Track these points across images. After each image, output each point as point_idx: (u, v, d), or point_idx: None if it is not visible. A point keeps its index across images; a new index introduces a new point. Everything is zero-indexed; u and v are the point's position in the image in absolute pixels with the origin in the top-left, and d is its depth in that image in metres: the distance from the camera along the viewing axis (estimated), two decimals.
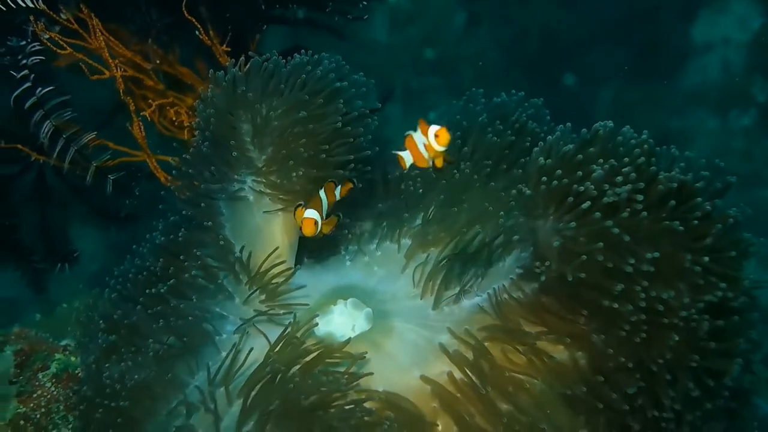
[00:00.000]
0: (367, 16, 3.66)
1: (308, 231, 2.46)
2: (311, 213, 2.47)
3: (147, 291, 2.78)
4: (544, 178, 2.21)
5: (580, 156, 2.21)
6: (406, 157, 2.36)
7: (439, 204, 2.91)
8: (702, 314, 2.08)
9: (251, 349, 2.50)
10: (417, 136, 2.31)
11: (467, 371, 2.37)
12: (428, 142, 2.29)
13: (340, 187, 2.60)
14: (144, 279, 2.86)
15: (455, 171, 2.93)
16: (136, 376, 2.56)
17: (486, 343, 2.39)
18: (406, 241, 2.91)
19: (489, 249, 2.66)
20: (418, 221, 2.93)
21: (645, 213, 2.10)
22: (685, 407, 2.14)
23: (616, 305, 2.11)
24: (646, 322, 2.10)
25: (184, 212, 2.92)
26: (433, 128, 2.28)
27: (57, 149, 3.22)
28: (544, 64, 7.74)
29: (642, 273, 2.07)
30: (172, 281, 2.75)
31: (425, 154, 2.32)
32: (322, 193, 2.53)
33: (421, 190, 2.96)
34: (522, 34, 8.12)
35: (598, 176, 2.14)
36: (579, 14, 7.84)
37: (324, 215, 2.50)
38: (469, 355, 2.39)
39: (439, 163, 2.36)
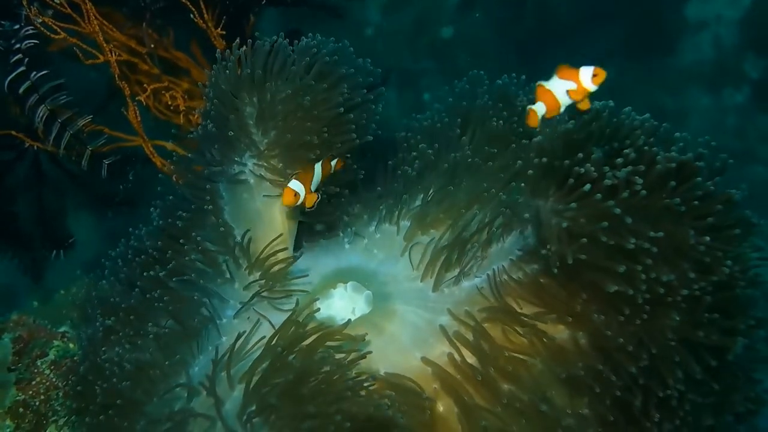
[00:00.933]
0: None
1: (287, 200, 2.53)
2: (294, 184, 2.53)
3: (145, 274, 2.77)
4: (544, 159, 2.21)
5: (580, 136, 2.21)
6: (540, 110, 2.35)
7: (439, 185, 2.90)
8: (705, 292, 2.09)
9: (252, 333, 2.51)
10: (553, 84, 2.32)
11: (468, 352, 2.39)
12: (576, 85, 2.29)
13: (335, 161, 2.65)
14: (141, 262, 2.85)
15: (454, 153, 2.94)
16: (135, 358, 2.57)
17: (485, 324, 2.41)
18: (405, 223, 2.90)
19: (489, 230, 2.65)
20: (417, 203, 2.93)
21: (645, 193, 2.10)
22: (688, 387, 2.16)
23: (617, 287, 2.12)
24: (648, 302, 2.11)
25: (182, 195, 2.91)
26: (588, 69, 2.29)
27: (53, 134, 3.21)
28: (538, 45, 7.73)
29: (644, 252, 2.08)
30: (170, 264, 2.75)
31: (566, 101, 2.32)
32: (318, 166, 2.58)
33: (419, 173, 2.96)
34: (516, 15, 8.12)
35: (598, 157, 2.15)
36: None
37: (312, 189, 2.56)
38: (469, 336, 2.40)
39: (586, 104, 2.34)
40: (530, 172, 2.26)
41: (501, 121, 2.93)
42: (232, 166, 2.78)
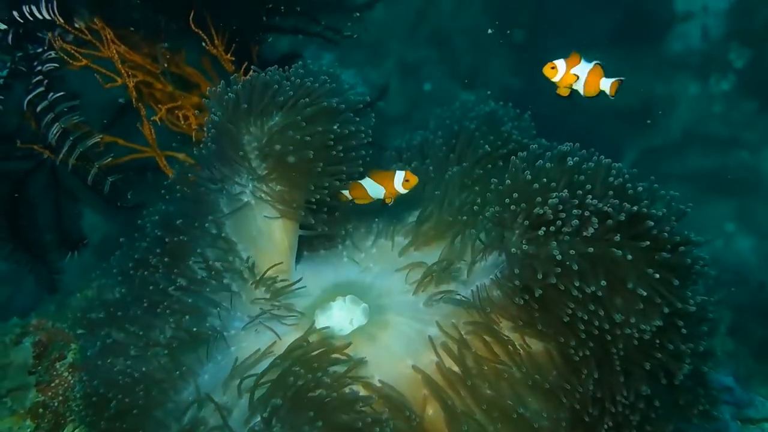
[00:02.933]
0: (357, 36, 3.87)
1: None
2: (366, 182, 2.87)
3: (150, 286, 2.93)
4: (507, 200, 2.48)
5: (536, 185, 2.47)
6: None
7: (431, 203, 3.12)
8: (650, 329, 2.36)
9: (259, 344, 2.73)
10: (580, 68, 2.68)
11: (453, 361, 2.60)
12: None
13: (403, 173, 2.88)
14: (146, 273, 3.00)
15: (445, 173, 3.17)
16: (143, 368, 2.73)
17: (469, 337, 2.62)
18: (400, 239, 3.13)
19: (473, 249, 2.91)
20: (411, 219, 3.15)
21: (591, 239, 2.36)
22: (637, 400, 2.43)
23: (567, 320, 2.39)
24: (595, 336, 2.38)
25: (184, 208, 3.08)
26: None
27: (64, 150, 3.45)
28: (533, 33, 8.02)
29: (589, 296, 2.34)
30: (175, 275, 2.92)
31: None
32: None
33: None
34: (513, 5, 8.25)
35: (553, 204, 2.40)
36: None
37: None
38: (454, 346, 2.61)
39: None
40: (496, 208, 2.52)
41: (487, 145, 3.17)
42: (233, 186, 2.96)
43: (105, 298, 3.02)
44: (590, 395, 2.45)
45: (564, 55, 2.71)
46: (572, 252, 2.34)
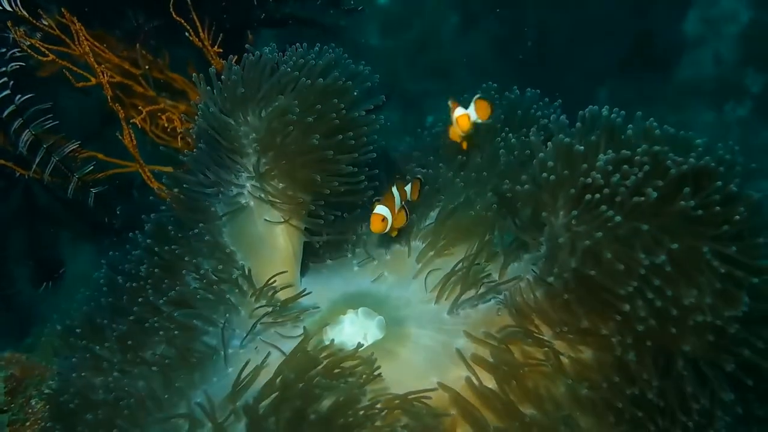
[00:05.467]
0: (362, 7, 3.57)
1: (375, 227, 2.46)
2: (381, 209, 2.47)
3: (139, 298, 2.63)
4: (545, 174, 2.11)
5: (581, 147, 2.10)
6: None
7: (451, 203, 2.79)
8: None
9: (259, 364, 2.38)
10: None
11: (486, 375, 2.29)
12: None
13: (410, 185, 2.60)
14: (134, 285, 2.70)
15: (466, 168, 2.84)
16: (128, 389, 2.45)
17: (503, 347, 2.30)
18: (417, 243, 2.80)
19: (503, 248, 2.54)
20: (428, 222, 2.82)
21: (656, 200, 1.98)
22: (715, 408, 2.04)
23: (628, 307, 2.00)
24: (660, 324, 1.99)
25: (177, 217, 2.78)
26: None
27: (36, 160, 3.09)
28: (539, 63, 7.72)
29: (658, 270, 1.95)
30: (167, 288, 2.62)
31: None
32: (394, 189, 2.51)
33: (430, 188, 2.85)
34: (516, 34, 8.10)
35: (602, 165, 2.04)
36: (571, 12, 7.86)
37: (395, 212, 2.51)
38: (488, 358, 2.30)
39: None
40: (532, 186, 2.17)
41: (511, 137, 2.82)
42: (230, 188, 2.69)
43: (87, 311, 2.74)
44: (654, 405, 2.07)
45: None
46: (634, 223, 1.96)
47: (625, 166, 2.03)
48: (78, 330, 2.70)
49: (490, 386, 2.26)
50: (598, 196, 2.02)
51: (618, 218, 1.98)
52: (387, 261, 2.81)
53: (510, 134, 2.82)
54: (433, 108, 7.98)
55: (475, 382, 2.28)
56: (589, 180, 2.04)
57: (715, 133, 8.03)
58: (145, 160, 3.26)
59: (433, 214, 2.84)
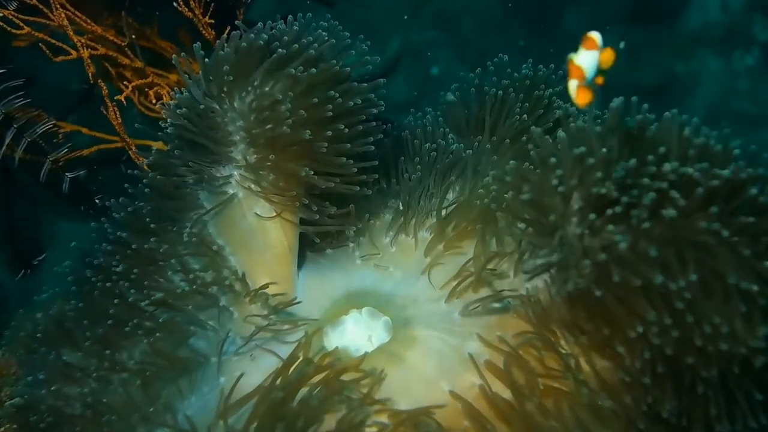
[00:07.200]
0: None
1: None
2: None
3: (115, 299, 2.42)
4: (554, 181, 1.92)
5: (592, 160, 1.90)
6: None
7: (462, 190, 2.62)
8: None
9: (251, 373, 2.24)
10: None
11: (501, 383, 2.14)
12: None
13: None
14: (109, 283, 2.48)
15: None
16: (104, 399, 2.29)
17: (520, 351, 2.15)
18: (425, 234, 2.60)
19: (520, 243, 2.35)
20: (445, 204, 2.63)
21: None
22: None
23: (641, 330, 1.85)
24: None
25: (156, 205, 2.54)
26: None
27: (7, 140, 2.88)
28: (544, 11, 7.59)
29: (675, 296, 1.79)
30: (148, 287, 2.42)
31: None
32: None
33: (439, 174, 2.66)
34: None
35: (618, 177, 1.86)
36: None
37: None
38: (502, 365, 2.14)
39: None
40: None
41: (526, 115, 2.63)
42: (215, 176, 2.46)
43: (55, 312, 2.54)
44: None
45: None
46: (650, 241, 1.78)
47: (646, 179, 1.85)
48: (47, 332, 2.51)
49: (505, 395, 2.11)
50: (618, 208, 1.84)
51: (624, 243, 1.80)
52: (392, 254, 2.61)
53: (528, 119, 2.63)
54: (439, 58, 7.83)
55: (490, 389, 2.13)
56: (603, 190, 1.85)
57: (723, 82, 7.96)
58: (136, 136, 3.05)
59: (450, 196, 2.65)
